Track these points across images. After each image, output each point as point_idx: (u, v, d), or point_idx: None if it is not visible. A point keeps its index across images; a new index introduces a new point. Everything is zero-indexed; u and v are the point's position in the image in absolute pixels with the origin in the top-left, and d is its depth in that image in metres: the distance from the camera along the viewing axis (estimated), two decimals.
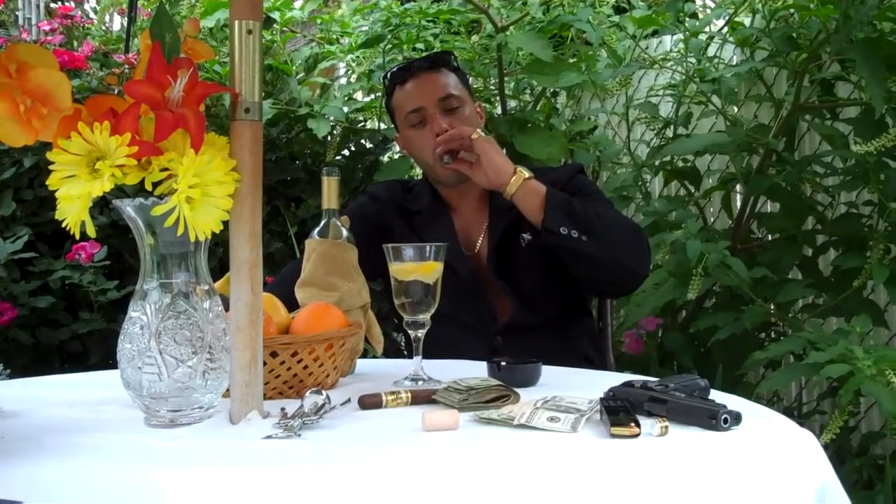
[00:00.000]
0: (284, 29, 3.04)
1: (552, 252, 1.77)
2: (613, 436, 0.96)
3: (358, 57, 3.04)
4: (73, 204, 0.96)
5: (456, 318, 1.76)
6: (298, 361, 1.24)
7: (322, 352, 1.27)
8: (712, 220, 3.05)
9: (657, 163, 2.76)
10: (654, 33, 3.04)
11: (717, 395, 1.15)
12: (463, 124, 1.85)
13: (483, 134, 1.81)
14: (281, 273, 1.87)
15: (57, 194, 0.97)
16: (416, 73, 1.93)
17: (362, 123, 3.07)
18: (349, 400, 1.14)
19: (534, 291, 1.87)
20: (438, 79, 1.92)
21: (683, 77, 2.65)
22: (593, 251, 1.71)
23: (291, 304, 1.42)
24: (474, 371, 1.24)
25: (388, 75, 2.00)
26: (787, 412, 2.64)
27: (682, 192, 2.91)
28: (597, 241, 1.71)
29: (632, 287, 1.92)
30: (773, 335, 2.64)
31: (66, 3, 3.08)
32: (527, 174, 1.75)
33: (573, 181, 1.92)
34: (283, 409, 1.07)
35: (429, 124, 1.88)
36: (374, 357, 1.76)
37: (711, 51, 2.78)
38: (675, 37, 2.88)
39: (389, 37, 2.85)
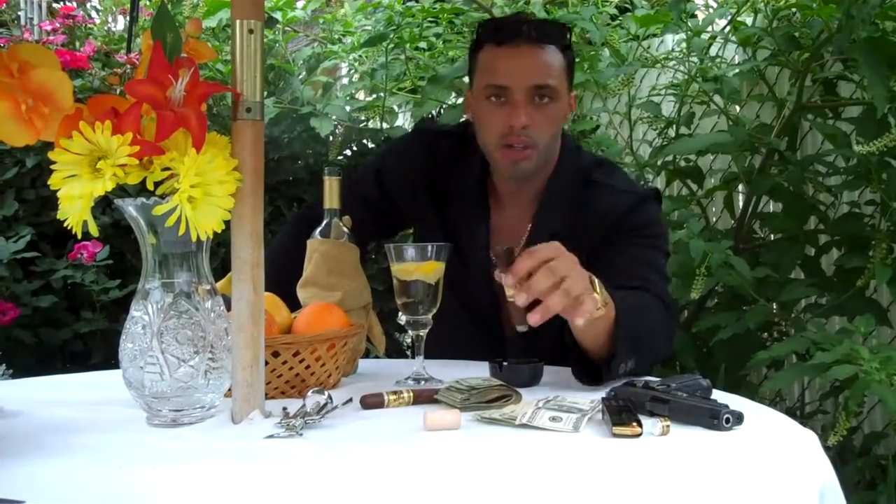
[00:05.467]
0: (287, 28, 3.04)
1: None
2: (615, 435, 0.96)
3: (360, 56, 3.04)
4: (74, 203, 0.96)
5: (465, 318, 1.74)
6: (300, 361, 1.24)
7: (324, 351, 1.27)
8: (714, 219, 3.04)
9: (659, 162, 2.76)
10: (655, 35, 3.03)
11: (719, 395, 1.15)
12: (547, 122, 1.65)
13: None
14: (271, 247, 1.62)
15: (59, 194, 0.97)
16: (516, 42, 1.63)
17: (364, 123, 3.07)
18: (351, 399, 1.14)
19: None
20: (540, 59, 1.64)
21: (686, 76, 2.65)
22: (630, 368, 1.40)
23: (292, 302, 1.42)
24: (476, 371, 1.24)
25: (484, 26, 1.72)
26: (790, 412, 2.64)
27: (685, 191, 2.91)
28: (637, 361, 1.39)
29: None
30: (775, 335, 2.64)
31: (68, 3, 3.07)
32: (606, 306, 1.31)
33: (637, 212, 1.65)
34: (284, 408, 1.07)
35: (509, 106, 1.63)
36: (376, 357, 1.76)
37: (714, 50, 2.77)
38: (677, 36, 2.87)
39: (392, 36, 2.85)
